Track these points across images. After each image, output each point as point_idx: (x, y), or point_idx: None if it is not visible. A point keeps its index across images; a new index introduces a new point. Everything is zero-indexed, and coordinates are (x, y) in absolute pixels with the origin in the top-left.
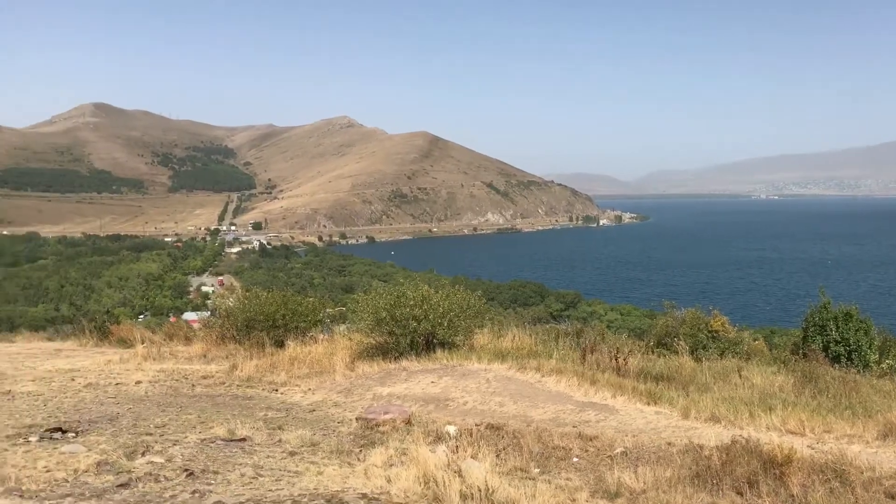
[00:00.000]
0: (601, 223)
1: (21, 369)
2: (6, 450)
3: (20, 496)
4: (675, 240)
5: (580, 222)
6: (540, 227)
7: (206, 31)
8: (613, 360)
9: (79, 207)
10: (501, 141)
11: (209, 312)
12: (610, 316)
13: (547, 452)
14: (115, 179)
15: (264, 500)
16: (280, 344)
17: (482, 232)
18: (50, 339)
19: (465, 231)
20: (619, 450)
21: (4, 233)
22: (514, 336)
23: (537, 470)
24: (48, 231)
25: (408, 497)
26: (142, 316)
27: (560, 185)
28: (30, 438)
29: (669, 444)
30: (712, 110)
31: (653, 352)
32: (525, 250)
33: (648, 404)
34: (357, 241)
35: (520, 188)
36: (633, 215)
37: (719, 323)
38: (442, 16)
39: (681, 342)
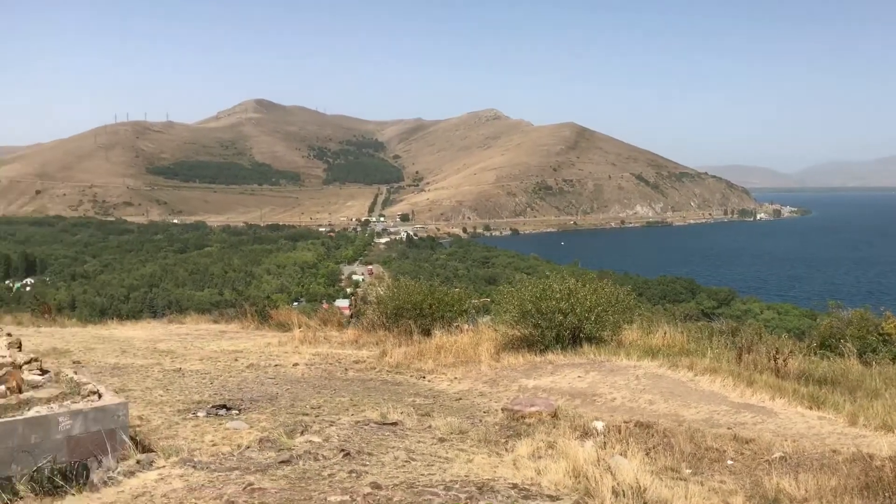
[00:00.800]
0: (758, 217)
1: (190, 349)
2: (178, 423)
3: (193, 466)
4: (839, 235)
5: (735, 216)
6: (692, 221)
7: (359, 31)
8: (772, 361)
9: (241, 198)
10: (653, 131)
11: (361, 301)
12: (766, 315)
13: (699, 453)
14: (274, 172)
15: (417, 483)
16: (427, 332)
17: (630, 225)
18: (215, 322)
19: (612, 224)
20: (777, 454)
21: (175, 221)
22: (664, 333)
23: (689, 471)
24: (213, 220)
25: (559, 490)
26: (297, 302)
27: (714, 176)
28: (198, 413)
29: (834, 451)
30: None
31: (815, 354)
32: (675, 244)
33: (811, 408)
34: (501, 233)
35: (671, 180)
36: (793, 209)
37: (892, 325)
38: (596, 6)
39: (847, 344)
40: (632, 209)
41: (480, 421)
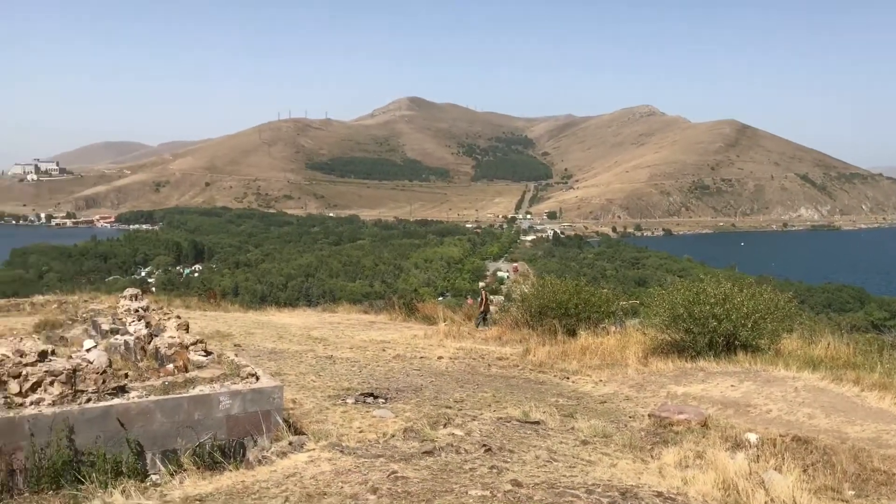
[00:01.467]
0: None
1: (341, 337)
2: (328, 408)
3: (340, 451)
4: None
5: None
6: (863, 226)
7: (512, 28)
8: None
9: (392, 194)
10: (822, 129)
11: (504, 297)
12: None
13: (864, 475)
14: (424, 168)
15: (558, 484)
16: (571, 332)
17: (793, 228)
18: (365, 312)
19: (774, 227)
20: None
21: (331, 214)
22: (828, 344)
23: (852, 492)
24: (366, 214)
25: (706, 501)
26: (442, 296)
27: (890, 178)
28: (347, 400)
29: None
30: None
31: None
32: (843, 250)
33: None
34: (653, 233)
35: (840, 181)
36: None
37: None
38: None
39: None
40: (795, 211)
41: (625, 425)
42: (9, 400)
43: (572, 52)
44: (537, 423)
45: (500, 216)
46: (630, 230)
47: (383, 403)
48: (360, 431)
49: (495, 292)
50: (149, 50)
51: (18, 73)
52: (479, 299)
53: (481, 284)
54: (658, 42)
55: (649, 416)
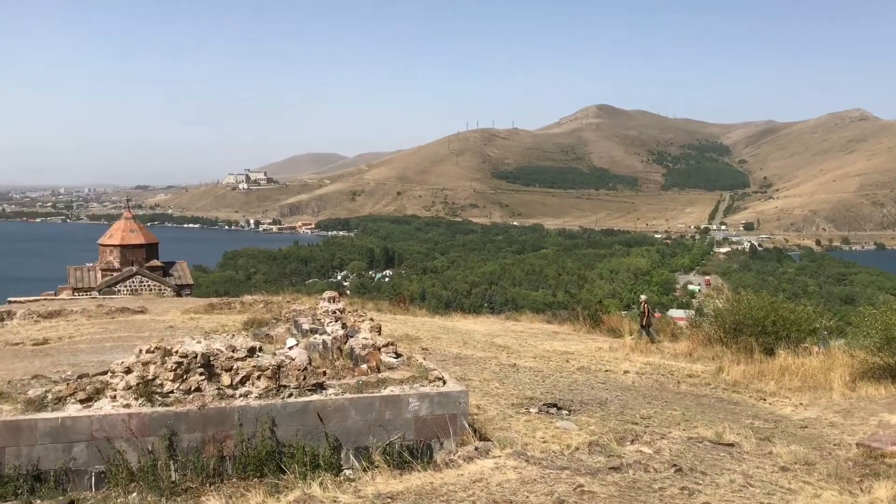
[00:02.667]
0: None
1: (524, 346)
2: (511, 416)
3: (525, 460)
4: None
5: None
6: None
7: (701, 32)
8: None
9: (578, 203)
10: None
11: (695, 311)
12: None
13: None
14: (611, 177)
15: None
16: (769, 351)
17: None
18: (548, 322)
19: None
20: None
21: (514, 223)
22: None
23: None
24: (550, 223)
25: None
26: (628, 309)
27: None
28: (530, 409)
29: None
30: None
31: None
32: None
33: None
34: (862, 247)
35: None
36: None
37: None
38: None
39: None
40: None
41: (830, 454)
42: (221, 391)
43: (774, 55)
44: (731, 445)
45: (692, 226)
46: (836, 243)
47: (567, 415)
48: (544, 442)
49: (685, 306)
50: (350, 68)
51: (231, 90)
52: (641, 310)
53: (643, 297)
54: (870, 42)
55: (857, 445)
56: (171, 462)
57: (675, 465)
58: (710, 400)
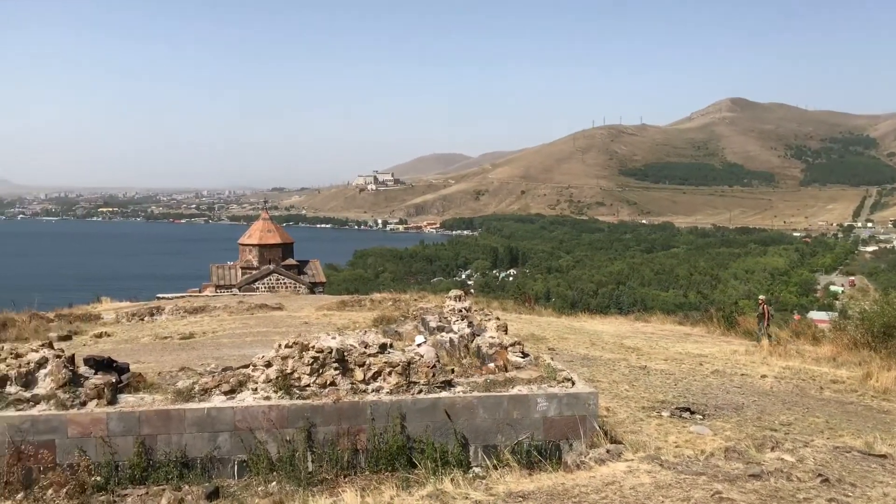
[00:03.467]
0: None
1: (655, 348)
2: (642, 419)
3: (659, 464)
4: None
5: None
6: None
7: (843, 19)
8: None
9: (710, 200)
10: None
11: (838, 314)
12: None
13: None
14: (746, 173)
15: None
16: None
17: None
18: (680, 324)
19: None
20: None
21: (643, 221)
22: None
23: None
24: (681, 222)
25: None
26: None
27: None
28: (661, 413)
29: None
30: None
31: None
32: None
33: None
34: None
35: None
36: None
37: None
38: None
39: None
40: None
41: None
42: (354, 386)
43: None
44: (884, 456)
45: (834, 224)
46: None
47: (700, 420)
48: (677, 446)
49: (829, 308)
50: (475, 69)
51: (363, 96)
52: (759, 310)
53: (761, 297)
54: None
55: None
56: (308, 453)
57: (820, 475)
58: (856, 408)
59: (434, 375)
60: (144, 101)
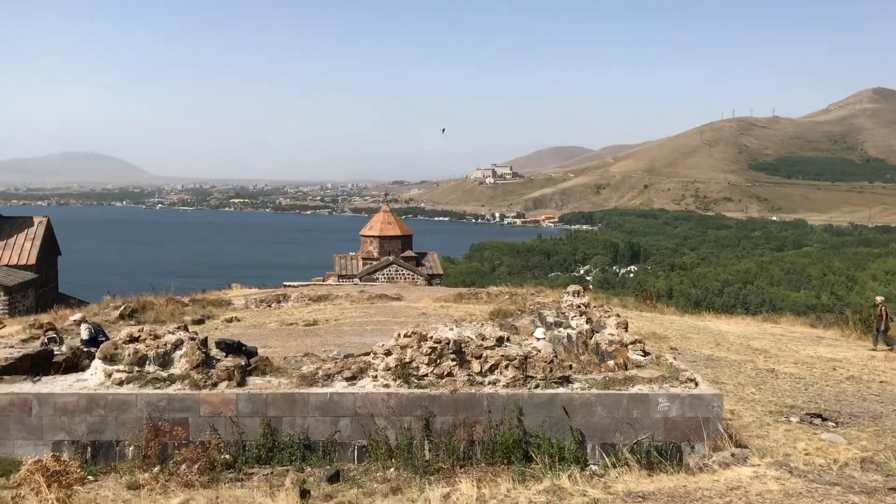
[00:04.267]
0: None
1: (784, 351)
2: (768, 424)
3: (788, 472)
4: None
5: None
6: None
7: None
8: None
9: (848, 196)
10: None
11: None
12: None
13: None
14: (889, 168)
15: None
16: None
17: None
18: (812, 326)
19: None
20: None
21: (773, 218)
22: None
23: None
24: (815, 219)
25: None
26: None
27: None
28: (790, 418)
29: None
30: None
31: None
32: None
33: None
34: None
35: None
36: None
37: None
38: None
39: None
40: None
41: None
42: (471, 377)
43: None
44: None
45: None
46: None
47: (833, 427)
48: (807, 454)
49: None
50: (596, 62)
51: (482, 90)
52: (878, 313)
53: (879, 298)
54: None
55: None
56: (426, 442)
57: None
58: None
59: (551, 371)
60: (275, 99)
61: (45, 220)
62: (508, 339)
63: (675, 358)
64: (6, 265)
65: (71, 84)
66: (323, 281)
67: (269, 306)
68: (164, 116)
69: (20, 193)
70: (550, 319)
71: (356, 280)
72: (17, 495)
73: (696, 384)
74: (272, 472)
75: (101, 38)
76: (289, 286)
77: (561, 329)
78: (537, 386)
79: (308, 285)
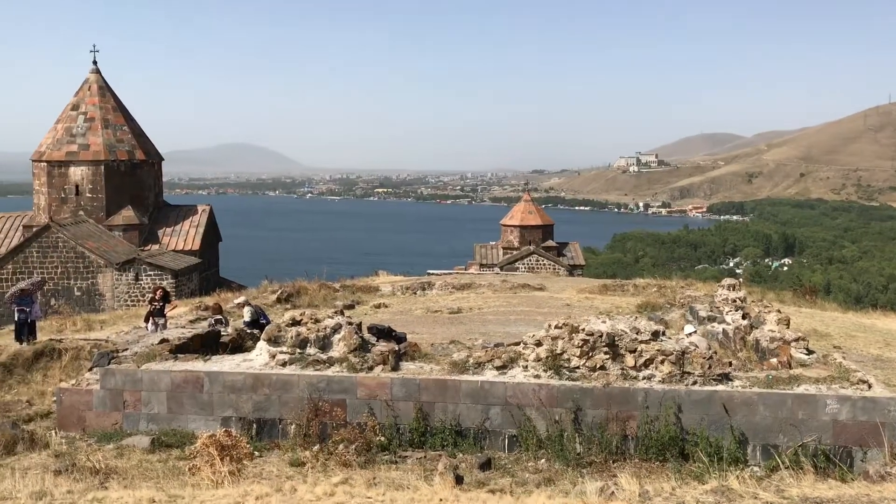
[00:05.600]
0: None
1: None
2: None
3: None
4: None
5: None
6: None
7: None
8: None
9: None
10: None
11: None
12: None
13: None
14: None
15: None
16: None
17: None
18: None
19: None
20: None
21: None
22: None
23: None
24: None
25: None
26: None
27: None
28: None
29: None
30: None
31: None
32: None
33: None
34: None
35: None
36: None
37: None
38: None
39: None
40: None
41: None
42: (625, 371)
43: None
44: None
45: None
46: None
47: None
48: None
49: None
50: (746, 39)
51: (622, 74)
52: None
53: None
54: None
55: None
56: (577, 434)
57: None
58: None
59: (710, 367)
60: (418, 92)
61: (208, 208)
62: (664, 334)
63: (844, 357)
64: (173, 250)
65: (228, 79)
66: (465, 270)
67: (415, 293)
68: (314, 108)
69: (183, 183)
70: (703, 314)
71: (497, 269)
72: (194, 466)
73: (870, 386)
74: (425, 457)
75: (257, 36)
76: (432, 274)
77: (715, 324)
78: (695, 382)
79: (451, 274)
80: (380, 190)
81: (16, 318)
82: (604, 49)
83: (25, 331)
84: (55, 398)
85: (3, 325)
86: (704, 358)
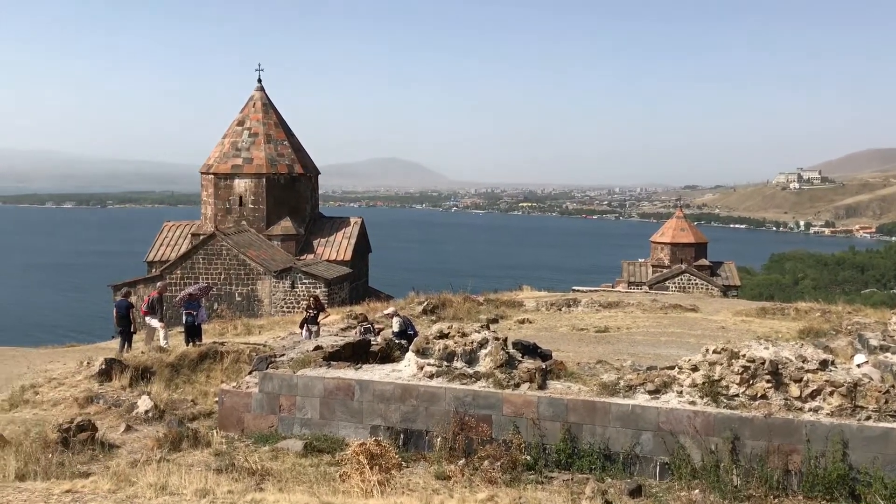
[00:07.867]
0: None
1: None
2: None
3: None
4: None
5: None
6: None
7: None
8: None
9: None
10: None
11: None
12: None
13: None
14: None
15: None
16: None
17: None
18: None
19: None
20: None
21: None
22: None
23: None
24: None
25: None
26: None
27: None
28: None
29: None
30: None
31: None
32: None
33: None
34: None
35: None
36: None
37: None
38: None
39: None
40: None
41: None
42: (788, 402)
43: None
44: None
45: None
46: None
47: None
48: None
49: None
50: None
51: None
52: None
53: None
54: None
55: None
56: (734, 466)
57: None
58: None
59: (886, 402)
60: (565, 104)
61: (360, 220)
62: (833, 363)
63: None
64: (326, 260)
65: (378, 95)
66: (612, 287)
67: (559, 310)
68: (461, 125)
69: (337, 196)
70: (874, 343)
71: (645, 288)
72: (344, 473)
73: None
74: (572, 479)
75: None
76: (578, 291)
77: (888, 354)
78: (868, 417)
79: (597, 291)
80: (524, 204)
81: (184, 321)
82: (762, 49)
83: (192, 333)
84: (217, 399)
85: (172, 326)
86: (880, 392)
